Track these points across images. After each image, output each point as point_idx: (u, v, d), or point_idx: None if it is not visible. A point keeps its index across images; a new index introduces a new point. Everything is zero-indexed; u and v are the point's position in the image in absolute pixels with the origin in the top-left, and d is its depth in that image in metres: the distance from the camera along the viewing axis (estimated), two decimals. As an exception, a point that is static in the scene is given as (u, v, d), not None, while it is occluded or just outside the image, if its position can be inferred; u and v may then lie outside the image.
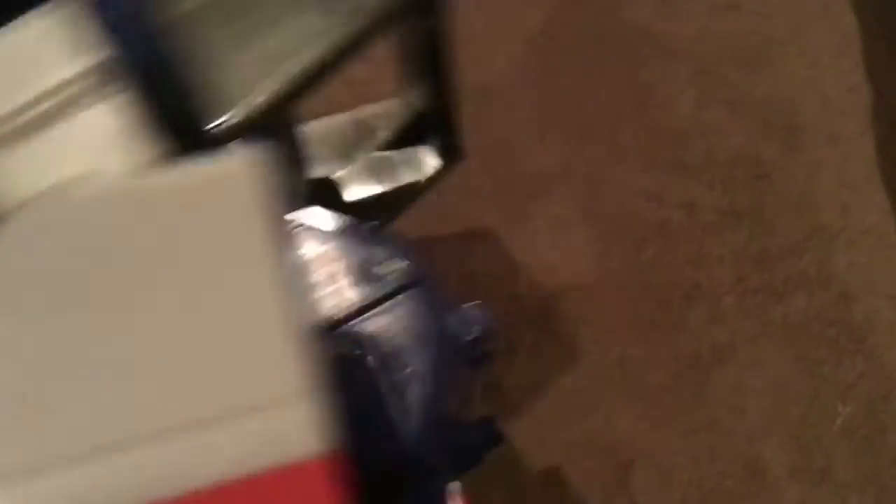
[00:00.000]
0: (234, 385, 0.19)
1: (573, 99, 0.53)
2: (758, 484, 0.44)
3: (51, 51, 0.24)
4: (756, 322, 0.47)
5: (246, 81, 0.30)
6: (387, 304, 0.31)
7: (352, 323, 0.30)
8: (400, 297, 0.31)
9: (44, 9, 0.25)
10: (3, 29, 0.25)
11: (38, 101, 0.23)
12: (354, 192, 0.43)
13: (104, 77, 0.24)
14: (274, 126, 0.33)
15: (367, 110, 0.45)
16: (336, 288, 0.30)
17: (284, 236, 0.21)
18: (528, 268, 0.48)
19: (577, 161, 0.52)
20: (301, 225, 0.32)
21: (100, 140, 0.23)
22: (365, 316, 0.31)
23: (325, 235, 0.32)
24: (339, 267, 0.31)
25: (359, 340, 0.30)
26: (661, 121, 0.53)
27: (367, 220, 0.32)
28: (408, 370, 0.30)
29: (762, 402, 0.45)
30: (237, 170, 0.20)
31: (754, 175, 0.52)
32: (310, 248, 0.32)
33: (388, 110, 0.44)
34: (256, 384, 0.19)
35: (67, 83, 0.24)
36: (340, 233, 0.32)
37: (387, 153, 0.43)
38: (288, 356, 0.20)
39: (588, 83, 0.54)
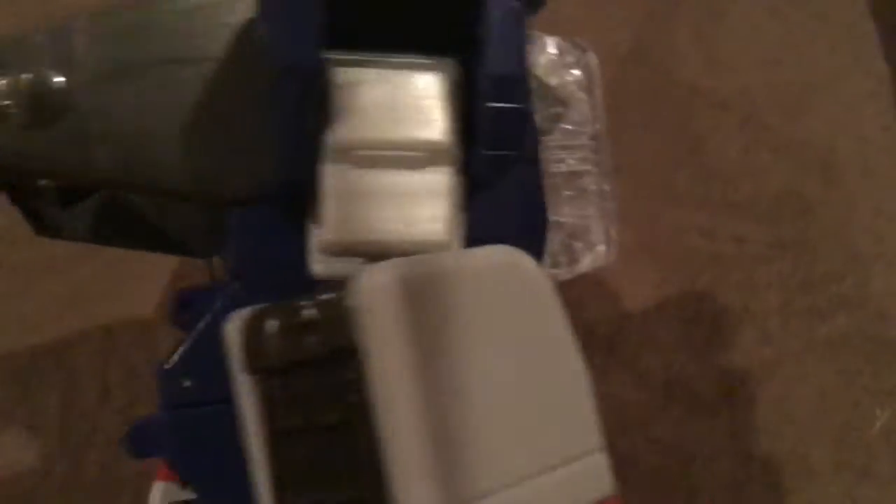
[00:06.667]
0: (560, 437, 0.22)
1: (633, 149, 0.61)
2: (805, 480, 0.50)
3: (431, 110, 0.25)
4: (801, 340, 0.54)
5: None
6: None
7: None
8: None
9: (430, 63, 0.26)
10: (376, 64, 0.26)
11: (401, 146, 0.25)
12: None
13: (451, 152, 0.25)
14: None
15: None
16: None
17: (559, 306, 0.23)
18: (597, 297, 0.56)
19: (638, 204, 0.59)
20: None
21: (432, 207, 0.24)
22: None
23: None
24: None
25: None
26: (712, 166, 0.60)
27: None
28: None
29: (807, 410, 0.52)
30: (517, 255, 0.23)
31: (797, 210, 0.58)
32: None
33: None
34: (574, 436, 0.23)
35: (431, 144, 0.25)
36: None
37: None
38: (589, 410, 0.23)
39: (645, 135, 0.62)
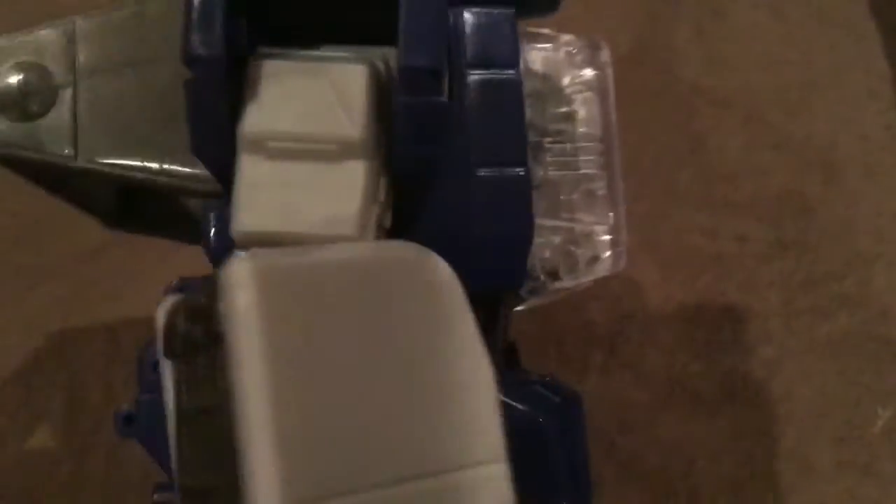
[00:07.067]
0: (450, 443, 0.22)
1: (634, 149, 0.61)
2: (807, 479, 0.50)
3: (349, 103, 0.24)
4: (802, 340, 0.54)
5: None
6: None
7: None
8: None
9: (350, 55, 0.25)
10: (300, 56, 0.25)
11: (316, 139, 0.24)
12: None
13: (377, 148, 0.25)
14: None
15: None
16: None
17: (469, 312, 0.23)
18: (598, 297, 0.56)
19: (639, 203, 0.59)
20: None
21: (344, 201, 0.24)
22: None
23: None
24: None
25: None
26: (713, 165, 0.60)
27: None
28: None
29: (809, 410, 0.52)
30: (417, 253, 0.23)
31: (799, 209, 0.58)
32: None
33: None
34: (467, 444, 0.22)
35: (345, 138, 0.24)
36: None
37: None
38: (490, 420, 0.22)
39: (647, 135, 0.62)
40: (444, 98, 0.25)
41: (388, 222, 0.26)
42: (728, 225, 0.58)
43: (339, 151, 0.24)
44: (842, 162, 0.60)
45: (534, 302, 0.31)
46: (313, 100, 0.24)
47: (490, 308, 0.28)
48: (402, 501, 0.21)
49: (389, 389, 0.21)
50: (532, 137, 0.29)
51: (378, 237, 0.25)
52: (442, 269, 0.23)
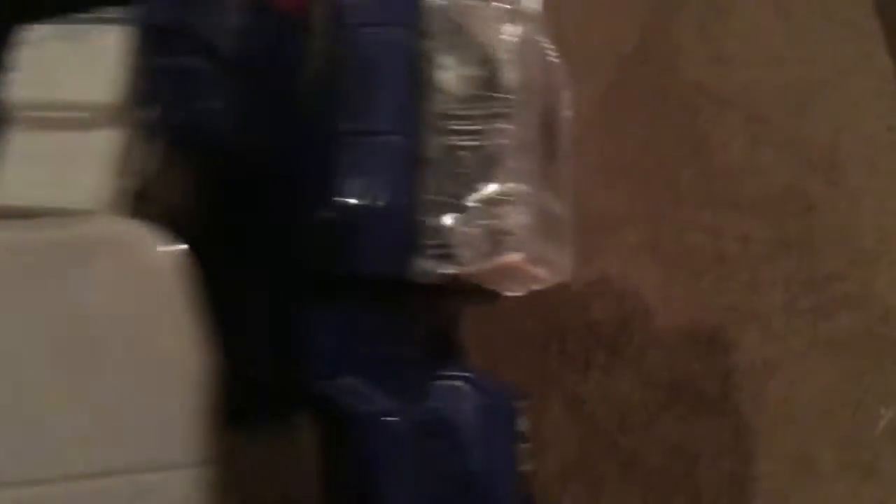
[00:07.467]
0: (127, 443, 0.20)
1: (637, 148, 0.61)
2: (810, 479, 0.50)
3: (101, 67, 0.23)
4: (805, 339, 0.54)
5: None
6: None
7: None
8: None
9: (113, 20, 0.24)
10: (71, 20, 0.24)
11: (65, 106, 0.23)
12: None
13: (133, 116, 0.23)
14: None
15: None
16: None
17: (187, 302, 0.21)
18: (601, 296, 0.56)
19: (642, 203, 0.59)
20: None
21: (85, 172, 0.23)
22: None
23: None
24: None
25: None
26: (716, 164, 0.60)
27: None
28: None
29: (812, 409, 0.52)
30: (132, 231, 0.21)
31: (802, 208, 0.58)
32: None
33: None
34: (148, 445, 0.20)
35: (96, 106, 0.23)
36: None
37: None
38: (188, 420, 0.20)
39: (650, 133, 0.62)
40: (200, 59, 0.23)
41: (159, 193, 0.24)
42: (730, 224, 0.58)
43: (91, 119, 0.23)
44: (844, 161, 0.60)
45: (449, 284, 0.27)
46: (69, 66, 0.23)
47: (395, 294, 0.26)
48: (61, 500, 0.19)
49: (64, 381, 0.20)
50: (442, 104, 0.26)
51: (140, 210, 0.23)
52: (159, 254, 0.21)
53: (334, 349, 0.26)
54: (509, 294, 0.29)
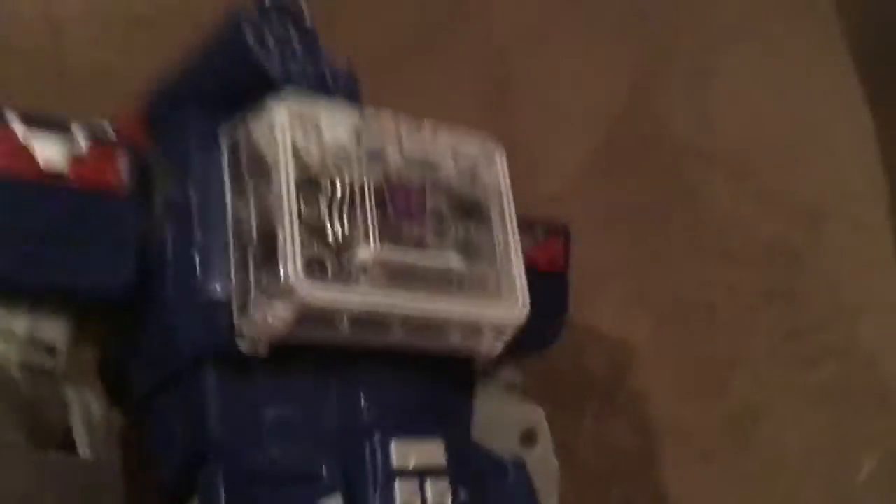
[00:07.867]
0: None
1: (630, 202, 0.63)
2: (796, 525, 0.52)
3: None
4: (790, 386, 0.56)
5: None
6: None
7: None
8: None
9: None
10: None
11: None
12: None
13: None
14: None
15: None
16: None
17: None
18: (593, 344, 0.57)
19: (634, 253, 0.61)
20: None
21: None
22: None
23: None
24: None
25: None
26: (704, 216, 0.62)
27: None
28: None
29: (797, 455, 0.54)
30: None
31: (786, 259, 0.60)
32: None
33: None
34: None
35: None
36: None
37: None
38: None
39: (642, 187, 0.64)
40: None
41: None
42: (718, 273, 0.60)
43: None
44: (827, 215, 0.62)
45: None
46: None
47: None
48: None
49: None
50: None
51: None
52: None
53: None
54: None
